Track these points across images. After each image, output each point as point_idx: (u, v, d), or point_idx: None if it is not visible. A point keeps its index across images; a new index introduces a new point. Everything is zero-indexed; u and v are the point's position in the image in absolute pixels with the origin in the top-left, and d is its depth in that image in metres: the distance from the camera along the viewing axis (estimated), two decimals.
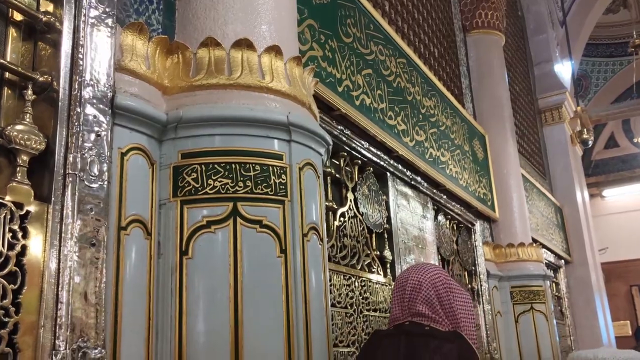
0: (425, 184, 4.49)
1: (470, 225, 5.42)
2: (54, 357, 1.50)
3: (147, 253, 1.84)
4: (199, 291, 1.85)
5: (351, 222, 3.40)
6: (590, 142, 9.84)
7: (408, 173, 4.20)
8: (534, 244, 6.08)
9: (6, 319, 1.46)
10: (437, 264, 4.46)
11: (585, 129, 9.53)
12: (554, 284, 8.04)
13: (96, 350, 1.58)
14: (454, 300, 1.96)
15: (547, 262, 7.42)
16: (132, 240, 1.79)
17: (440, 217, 4.82)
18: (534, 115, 9.28)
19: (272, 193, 1.99)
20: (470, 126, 5.78)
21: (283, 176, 2.03)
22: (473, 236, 5.44)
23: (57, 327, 1.53)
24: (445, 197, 4.87)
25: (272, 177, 2.00)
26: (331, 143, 2.32)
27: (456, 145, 5.24)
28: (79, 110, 1.70)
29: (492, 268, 5.61)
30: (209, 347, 1.82)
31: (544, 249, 7.16)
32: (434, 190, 4.67)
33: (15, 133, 1.57)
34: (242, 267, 1.88)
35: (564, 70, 10.03)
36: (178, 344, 1.80)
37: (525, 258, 5.79)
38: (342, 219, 3.31)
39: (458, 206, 5.13)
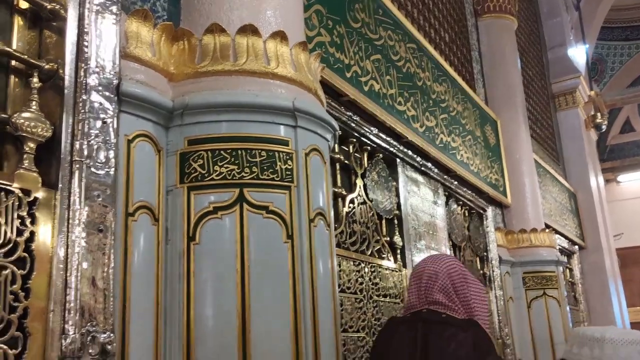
0: (436, 170, 4.47)
1: (482, 211, 5.40)
2: (63, 341, 1.52)
3: (154, 239, 1.85)
4: (207, 276, 1.87)
5: (360, 208, 3.41)
6: (604, 127, 9.73)
7: (418, 159, 4.19)
8: (547, 230, 6.04)
9: (16, 304, 1.49)
10: (448, 250, 4.46)
11: (598, 113, 9.42)
12: (567, 270, 8.00)
13: (105, 335, 1.60)
14: (468, 289, 2.00)
15: (560, 247, 7.38)
16: (140, 226, 1.80)
17: (452, 203, 4.81)
18: (547, 100, 9.18)
19: (278, 179, 1.99)
20: (482, 111, 5.74)
21: (289, 162, 2.03)
22: (485, 222, 5.42)
23: (66, 312, 1.56)
24: (456, 183, 4.84)
25: (278, 163, 2.00)
26: (338, 129, 2.32)
27: (467, 131, 5.21)
28: (84, 97, 1.71)
29: (504, 254, 5.59)
30: (217, 331, 1.83)
31: (557, 235, 7.12)
32: (445, 176, 4.65)
33: (22, 120, 1.58)
34: (249, 253, 1.89)
35: (578, 54, 9.90)
36: (186, 329, 1.82)
37: (537, 244, 5.76)
38: (351, 205, 3.32)
39: (469, 192, 5.11)
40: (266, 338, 1.86)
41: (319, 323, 1.96)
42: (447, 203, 4.69)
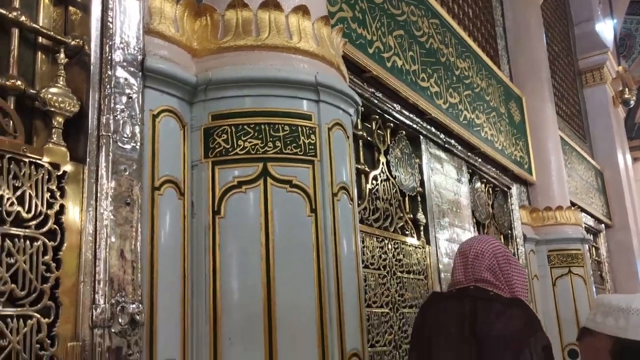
0: (460, 147, 4.44)
1: (506, 189, 5.36)
2: (94, 311, 1.56)
3: (180, 213, 1.88)
4: (232, 250, 1.89)
5: (384, 185, 3.40)
6: (632, 102, 9.53)
7: (442, 136, 4.16)
8: (573, 208, 5.97)
9: (48, 274, 1.53)
10: (472, 227, 4.44)
11: (626, 89, 9.22)
12: (593, 248, 7.91)
13: (134, 305, 1.64)
14: (512, 271, 2.08)
15: (586, 226, 7.29)
16: (166, 200, 1.83)
17: (475, 181, 4.77)
18: (574, 77, 9.02)
19: (301, 153, 2.00)
20: (507, 88, 5.66)
21: (312, 136, 2.03)
22: (509, 200, 5.37)
23: (96, 283, 1.59)
24: (480, 160, 4.81)
25: (302, 138, 2.01)
26: (360, 103, 2.31)
27: (492, 108, 5.15)
28: (110, 73, 1.73)
29: (529, 232, 5.55)
30: (243, 303, 1.86)
31: (582, 213, 7.03)
32: (469, 154, 4.62)
33: (50, 96, 1.61)
34: (273, 226, 1.91)
35: (606, 29, 9.67)
36: (212, 300, 1.85)
37: (563, 221, 5.70)
38: (374, 182, 3.32)
39: (494, 169, 5.07)
40: (291, 310, 1.88)
41: (343, 296, 1.98)
42: (470, 180, 4.66)
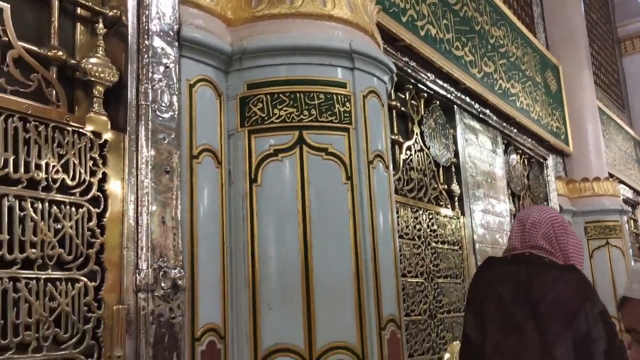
0: (495, 117, 4.37)
1: (542, 160, 5.27)
2: (137, 276, 1.61)
3: (218, 181, 1.90)
4: (269, 217, 1.91)
5: (418, 156, 3.39)
6: None
7: (476, 106, 4.10)
8: (610, 179, 5.85)
9: (93, 240, 1.57)
10: (507, 198, 4.39)
11: None
12: (631, 221, 7.75)
13: (175, 270, 1.67)
14: (568, 239, 2.11)
15: (624, 197, 7.14)
16: (204, 168, 1.85)
17: (511, 152, 4.71)
18: (612, 45, 8.75)
19: (336, 121, 2.00)
20: (543, 57, 5.53)
21: (347, 104, 2.03)
22: (545, 171, 5.29)
23: (139, 249, 1.63)
24: (515, 130, 4.73)
25: (337, 106, 2.01)
26: (395, 70, 2.29)
27: (527, 77, 5.05)
28: (147, 43, 1.75)
29: (565, 203, 5.46)
30: (280, 270, 1.89)
31: (621, 184, 6.89)
32: (504, 124, 4.55)
33: (90, 66, 1.64)
34: (309, 194, 1.92)
35: None
36: (251, 267, 1.88)
37: (600, 193, 5.60)
38: (408, 152, 3.30)
39: (529, 140, 4.99)
40: (328, 277, 1.90)
41: (380, 262, 1.99)
42: (506, 151, 4.60)
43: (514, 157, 4.77)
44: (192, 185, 1.80)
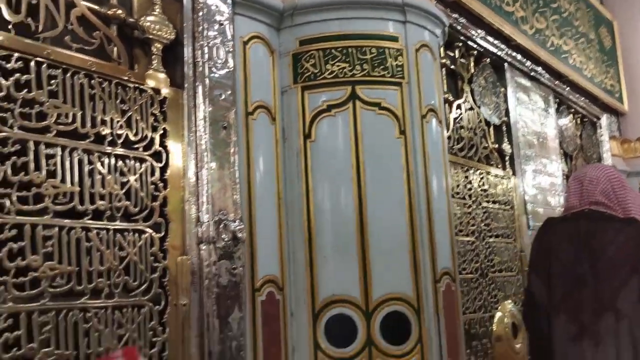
0: (547, 75, 4.25)
1: (595, 119, 5.12)
2: (199, 228, 1.66)
3: (272, 137, 1.93)
4: (323, 172, 1.94)
5: (468, 114, 3.34)
6: None
7: (528, 64, 3.99)
8: None
9: (156, 193, 1.63)
10: (558, 158, 4.29)
11: None
12: None
13: (235, 223, 1.72)
14: (627, 194, 2.10)
15: None
16: (259, 124, 1.88)
17: (563, 111, 4.59)
18: None
19: (389, 75, 1.99)
20: (597, 12, 5.32)
21: (399, 58, 2.02)
22: (598, 130, 5.14)
23: (200, 202, 1.68)
24: (568, 89, 4.59)
25: (389, 60, 2.00)
26: (447, 23, 2.26)
27: (580, 33, 4.88)
28: (201, 0, 1.77)
29: (620, 163, 5.30)
30: (335, 224, 1.92)
31: None
32: (556, 82, 4.42)
33: (148, 24, 1.68)
34: (363, 148, 1.93)
35: None
36: (307, 221, 1.92)
37: None
38: (458, 111, 3.25)
39: (582, 99, 4.84)
40: (383, 231, 1.92)
41: (434, 216, 2.00)
42: (558, 110, 4.48)
43: (567, 116, 4.64)
44: (248, 141, 1.84)
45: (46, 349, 1.34)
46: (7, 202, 1.32)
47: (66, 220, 1.42)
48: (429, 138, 2.05)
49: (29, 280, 1.34)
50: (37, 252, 1.36)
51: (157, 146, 1.64)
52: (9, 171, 1.33)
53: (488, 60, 3.59)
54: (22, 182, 1.35)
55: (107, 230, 1.50)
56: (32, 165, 1.38)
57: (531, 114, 4.00)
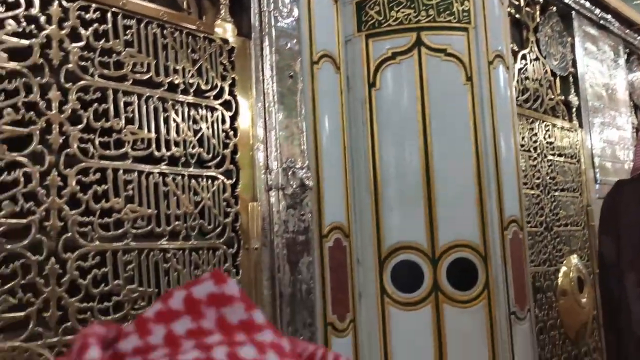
0: (617, 24, 4.06)
1: None
2: (268, 175, 1.70)
3: (337, 86, 1.94)
4: (389, 121, 1.94)
5: (533, 65, 3.24)
6: None
7: (596, 11, 3.82)
8: None
9: (227, 141, 1.67)
10: (628, 111, 4.13)
11: None
12: None
13: (302, 171, 1.75)
14: None
15: None
16: (324, 73, 1.89)
17: (634, 61, 4.38)
18: None
19: (455, 21, 1.95)
20: None
21: (466, 3, 1.97)
22: None
23: (268, 151, 1.72)
24: (639, 38, 4.38)
25: (455, 5, 1.96)
26: None
27: None
28: None
29: None
30: (401, 173, 1.92)
31: None
32: (627, 31, 4.21)
33: None
34: (429, 96, 1.92)
35: None
36: (372, 170, 1.93)
37: None
38: (523, 61, 3.16)
39: None
40: (449, 179, 1.91)
41: (501, 163, 1.97)
42: (628, 60, 4.28)
43: (637, 67, 4.43)
44: (313, 90, 1.85)
45: (130, 286, 1.42)
46: (91, 147, 1.39)
47: (145, 166, 1.48)
48: (496, 84, 2.01)
49: (113, 222, 1.41)
50: (119, 195, 1.43)
51: (226, 95, 1.68)
52: (92, 117, 1.40)
53: (554, 8, 3.46)
54: (103, 128, 1.42)
55: (182, 176, 1.56)
56: (112, 113, 1.44)
57: (599, 64, 3.84)
